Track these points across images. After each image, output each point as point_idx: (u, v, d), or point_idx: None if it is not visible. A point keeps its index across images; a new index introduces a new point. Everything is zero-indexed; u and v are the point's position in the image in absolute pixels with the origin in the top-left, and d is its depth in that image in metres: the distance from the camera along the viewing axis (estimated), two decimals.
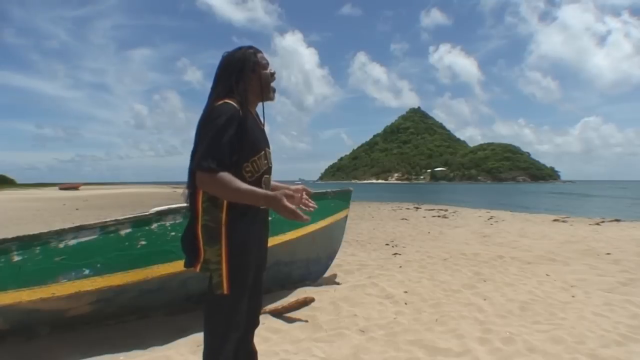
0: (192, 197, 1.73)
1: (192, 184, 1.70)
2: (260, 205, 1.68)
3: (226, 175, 1.59)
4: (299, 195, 1.82)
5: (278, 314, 3.40)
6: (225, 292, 1.65)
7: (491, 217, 13.35)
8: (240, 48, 1.83)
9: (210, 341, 1.72)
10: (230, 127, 1.63)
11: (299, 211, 1.62)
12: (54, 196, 32.88)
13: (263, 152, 1.78)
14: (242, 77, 1.76)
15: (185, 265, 1.79)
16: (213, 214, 1.67)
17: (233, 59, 1.79)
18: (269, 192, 1.64)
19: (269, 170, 1.83)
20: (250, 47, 1.83)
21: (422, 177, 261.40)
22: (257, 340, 2.03)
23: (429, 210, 16.89)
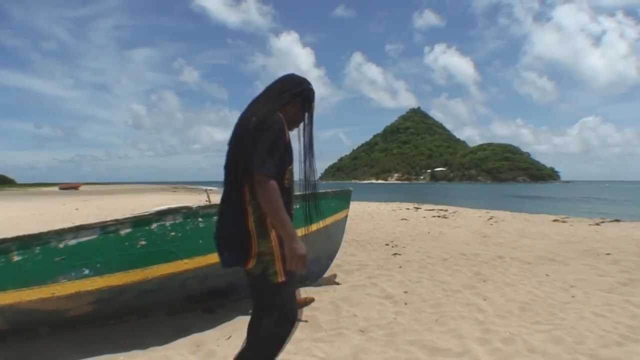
0: (238, 195, 1.80)
1: (238, 182, 1.79)
2: (287, 232, 1.72)
3: (276, 188, 1.69)
4: None
5: None
6: (283, 278, 1.74)
7: (491, 217, 13.32)
8: (304, 78, 2.00)
9: (271, 332, 1.79)
10: (283, 137, 1.80)
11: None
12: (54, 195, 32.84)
13: (291, 164, 1.91)
14: (295, 101, 1.92)
15: (227, 265, 1.84)
16: (260, 210, 1.76)
17: (296, 81, 1.96)
18: (297, 236, 1.71)
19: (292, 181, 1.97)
20: (309, 82, 1.99)
21: (422, 177, 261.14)
22: None
23: (429, 210, 16.85)
